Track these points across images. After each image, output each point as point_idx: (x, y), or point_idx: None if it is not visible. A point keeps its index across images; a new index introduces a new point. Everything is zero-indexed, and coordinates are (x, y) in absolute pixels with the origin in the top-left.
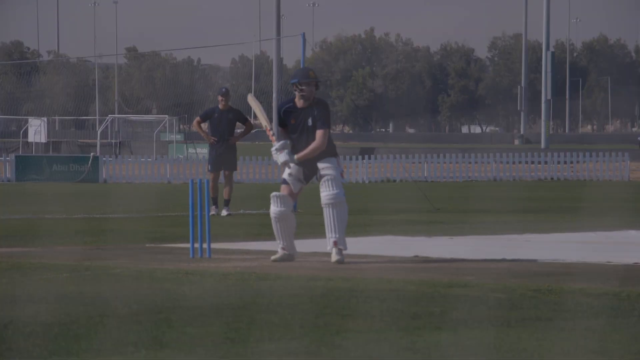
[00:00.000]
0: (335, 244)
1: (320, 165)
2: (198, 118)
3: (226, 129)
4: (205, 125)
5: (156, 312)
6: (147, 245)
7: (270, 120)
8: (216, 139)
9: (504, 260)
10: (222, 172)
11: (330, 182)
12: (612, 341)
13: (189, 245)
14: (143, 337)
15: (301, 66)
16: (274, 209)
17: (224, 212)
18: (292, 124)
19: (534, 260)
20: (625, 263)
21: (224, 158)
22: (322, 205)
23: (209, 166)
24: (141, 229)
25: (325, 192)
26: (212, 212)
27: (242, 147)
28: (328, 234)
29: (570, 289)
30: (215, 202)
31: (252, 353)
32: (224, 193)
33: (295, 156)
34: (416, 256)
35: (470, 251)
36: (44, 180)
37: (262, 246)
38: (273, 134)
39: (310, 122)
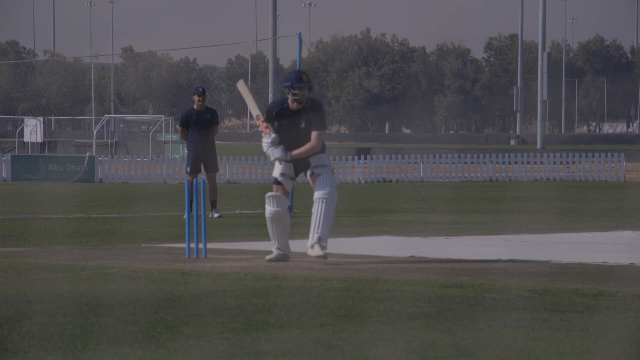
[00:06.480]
0: (320, 239)
1: (313, 161)
2: (181, 127)
3: (205, 130)
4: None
5: (152, 312)
6: (143, 245)
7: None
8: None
9: (499, 260)
10: (204, 175)
11: (326, 179)
12: (608, 341)
13: (184, 245)
14: (139, 337)
15: (297, 67)
16: (269, 209)
17: (215, 214)
18: (283, 125)
19: (530, 261)
20: (621, 264)
21: (205, 160)
22: (315, 200)
23: (187, 168)
24: (137, 229)
25: (321, 189)
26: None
27: (237, 147)
28: (313, 229)
29: (566, 290)
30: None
31: (248, 353)
32: (210, 195)
33: (291, 154)
34: (412, 256)
35: (466, 251)
36: (40, 180)
37: (258, 246)
38: (266, 126)
39: (303, 124)
